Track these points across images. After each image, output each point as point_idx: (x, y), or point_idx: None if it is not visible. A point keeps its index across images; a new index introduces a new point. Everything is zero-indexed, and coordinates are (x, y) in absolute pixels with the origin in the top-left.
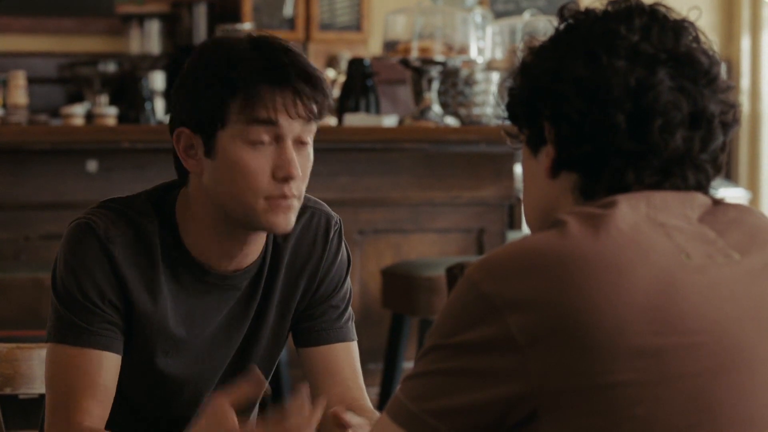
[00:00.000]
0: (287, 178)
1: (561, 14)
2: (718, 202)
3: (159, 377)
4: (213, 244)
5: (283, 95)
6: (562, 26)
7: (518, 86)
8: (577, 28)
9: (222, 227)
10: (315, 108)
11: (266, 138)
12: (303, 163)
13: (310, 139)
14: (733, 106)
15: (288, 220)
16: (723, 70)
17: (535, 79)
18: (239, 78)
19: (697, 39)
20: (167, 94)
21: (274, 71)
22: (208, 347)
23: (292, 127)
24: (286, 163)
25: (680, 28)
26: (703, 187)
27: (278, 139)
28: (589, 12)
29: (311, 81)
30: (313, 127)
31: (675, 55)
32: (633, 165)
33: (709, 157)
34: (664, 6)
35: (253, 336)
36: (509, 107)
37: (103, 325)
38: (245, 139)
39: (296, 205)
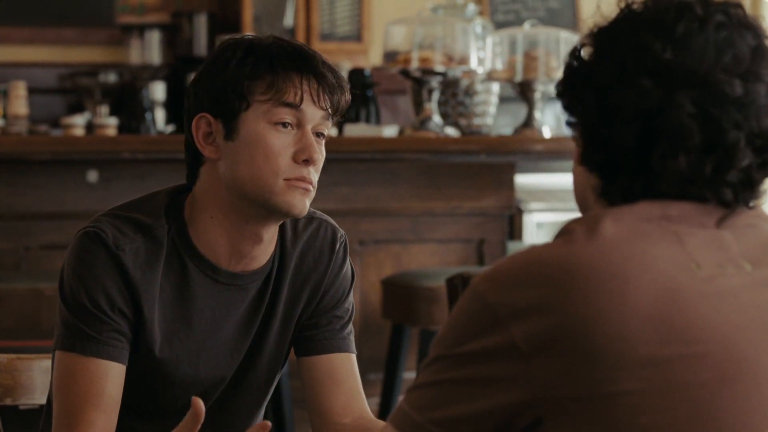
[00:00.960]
0: (308, 161)
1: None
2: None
3: (167, 382)
4: (224, 241)
5: (309, 81)
6: (622, 14)
7: (565, 70)
8: (625, 23)
9: (234, 224)
10: (336, 100)
11: (289, 120)
12: (320, 154)
13: (325, 135)
14: None
15: (304, 203)
16: None
17: (574, 72)
18: (267, 61)
19: (741, 57)
20: (168, 105)
21: (301, 59)
22: (216, 351)
23: (314, 114)
24: (307, 146)
25: (728, 42)
26: (728, 205)
27: (299, 124)
28: (647, 4)
29: (334, 74)
30: (329, 124)
31: (705, 79)
32: (640, 181)
33: (736, 179)
34: (731, 6)
35: (259, 342)
36: (558, 85)
37: (111, 334)
38: (269, 119)
39: (312, 192)
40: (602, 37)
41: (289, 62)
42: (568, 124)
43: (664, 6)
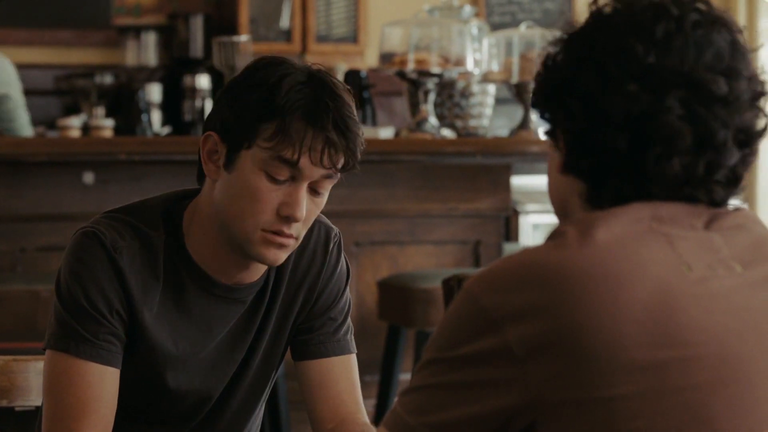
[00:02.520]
0: (289, 219)
1: (595, 3)
2: (726, 208)
3: (161, 390)
4: (218, 256)
5: (314, 140)
6: (591, 18)
7: (539, 85)
8: (602, 28)
9: (222, 246)
10: (340, 161)
11: (284, 176)
12: (310, 208)
13: (325, 192)
14: (759, 115)
15: (278, 256)
16: (755, 67)
17: (552, 83)
18: (279, 106)
19: (721, 53)
20: (164, 106)
21: (314, 113)
22: (211, 362)
23: (311, 172)
24: (294, 203)
25: (706, 41)
26: (716, 204)
27: (294, 179)
28: (619, 6)
29: (346, 135)
30: (334, 180)
31: (690, 78)
32: (632, 185)
33: (722, 177)
34: (701, 2)
35: (254, 350)
36: (533, 95)
37: (107, 337)
38: (265, 169)
39: (292, 245)
40: (578, 42)
41: (302, 113)
42: (548, 133)
43: (638, 8)
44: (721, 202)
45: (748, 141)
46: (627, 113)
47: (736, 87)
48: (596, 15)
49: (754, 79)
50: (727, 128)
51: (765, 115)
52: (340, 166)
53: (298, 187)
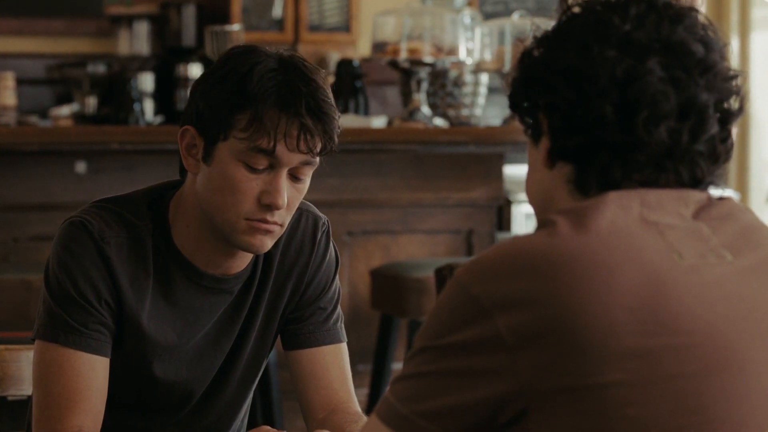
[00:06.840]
0: (271, 207)
1: (564, 4)
2: (712, 198)
3: (148, 380)
4: (203, 247)
5: (288, 126)
6: (564, 17)
7: (518, 76)
8: (576, 18)
9: (207, 237)
10: (317, 146)
11: (263, 165)
12: (293, 195)
13: (306, 177)
14: (734, 94)
15: (264, 243)
16: (727, 56)
17: (530, 68)
18: (252, 95)
19: (694, 27)
20: (156, 96)
21: (287, 99)
22: (198, 352)
23: (290, 158)
24: (274, 192)
25: (679, 16)
26: (700, 182)
27: (273, 167)
28: (589, 2)
29: (321, 118)
30: (314, 165)
31: (668, 43)
32: (620, 159)
33: (705, 149)
34: None
35: (243, 340)
36: (510, 97)
37: (96, 326)
38: (242, 159)
39: (278, 231)
40: (554, 32)
41: (275, 101)
42: (528, 128)
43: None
44: (702, 180)
45: (726, 118)
46: (610, 77)
47: (712, 55)
48: (570, 10)
49: (726, 59)
50: (708, 93)
51: (739, 95)
52: (317, 150)
53: (277, 174)
